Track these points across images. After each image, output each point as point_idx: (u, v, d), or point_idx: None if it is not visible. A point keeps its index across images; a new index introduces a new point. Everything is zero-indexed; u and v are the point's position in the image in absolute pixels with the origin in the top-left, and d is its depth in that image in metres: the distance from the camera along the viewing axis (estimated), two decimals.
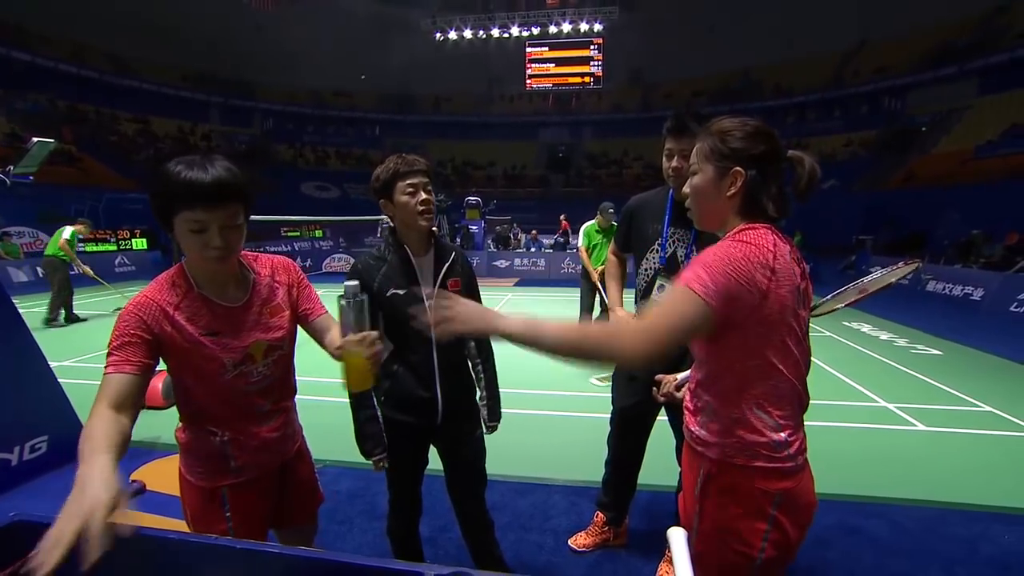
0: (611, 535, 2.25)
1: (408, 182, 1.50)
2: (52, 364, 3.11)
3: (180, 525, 2.15)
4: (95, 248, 14.16)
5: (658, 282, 1.84)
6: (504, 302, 9.20)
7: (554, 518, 2.49)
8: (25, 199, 14.97)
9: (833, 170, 25.54)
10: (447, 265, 1.61)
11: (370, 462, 1.61)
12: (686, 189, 1.12)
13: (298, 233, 18.26)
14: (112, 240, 14.67)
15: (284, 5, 30.23)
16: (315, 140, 34.17)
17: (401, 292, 1.52)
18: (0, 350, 2.72)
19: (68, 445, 3.01)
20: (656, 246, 1.88)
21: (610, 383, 2.24)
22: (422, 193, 1.51)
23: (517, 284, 12.28)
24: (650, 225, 1.91)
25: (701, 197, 1.09)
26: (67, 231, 6.96)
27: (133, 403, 1.03)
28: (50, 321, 6.87)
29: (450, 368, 1.63)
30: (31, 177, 2.66)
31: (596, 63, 34.98)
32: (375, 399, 1.62)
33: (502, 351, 5.14)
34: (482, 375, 1.80)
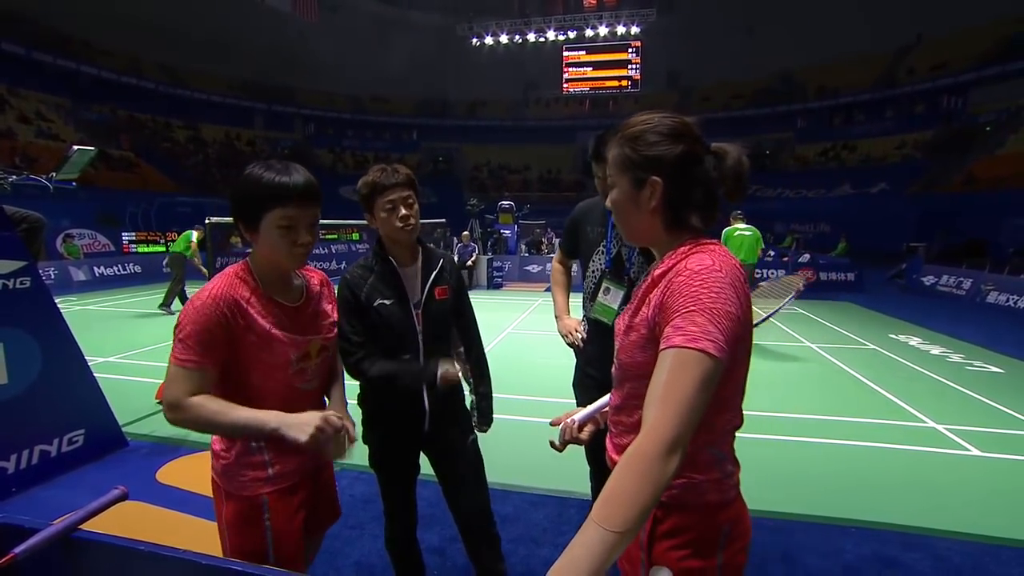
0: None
1: (387, 198, 1.48)
2: (96, 360, 3.26)
3: (205, 524, 2.21)
4: (146, 249, 14.96)
5: (604, 284, 1.87)
6: (535, 307, 9.15)
7: (567, 533, 2.41)
8: (86, 203, 15.98)
9: (883, 173, 24.32)
10: (434, 274, 1.60)
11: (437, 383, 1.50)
12: (608, 204, 1.00)
13: (335, 236, 18.77)
14: (161, 242, 15.47)
15: (325, 14, 31.21)
16: (354, 145, 35.08)
17: (388, 302, 1.52)
18: (41, 347, 2.87)
19: (103, 438, 3.15)
20: (601, 247, 1.91)
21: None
22: (401, 209, 1.49)
23: (548, 289, 12.19)
24: (594, 229, 1.96)
25: (622, 213, 0.97)
26: (194, 234, 7.93)
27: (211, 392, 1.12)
28: (165, 306, 7.89)
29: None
30: (73, 183, 2.80)
31: (634, 66, 34.56)
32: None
33: (517, 357, 5.07)
34: (470, 378, 1.77)
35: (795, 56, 30.44)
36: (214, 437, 1.27)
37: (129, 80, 26.19)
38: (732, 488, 0.96)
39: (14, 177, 2.67)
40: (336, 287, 1.51)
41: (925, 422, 3.86)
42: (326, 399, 1.41)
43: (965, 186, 20.31)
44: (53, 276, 10.67)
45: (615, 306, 1.82)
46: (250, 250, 1.26)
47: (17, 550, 0.81)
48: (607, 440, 1.06)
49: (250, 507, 1.23)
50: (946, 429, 3.71)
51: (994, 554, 2.27)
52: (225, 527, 1.27)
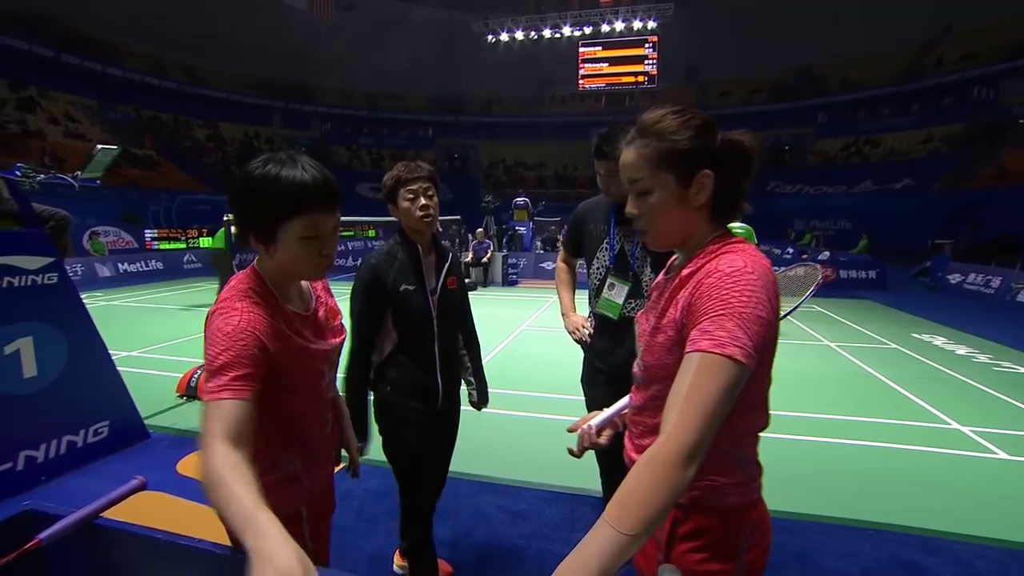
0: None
1: (409, 188, 1.63)
2: (119, 354, 3.35)
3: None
4: (167, 246, 15.29)
5: (608, 280, 1.90)
6: (549, 303, 9.13)
7: (580, 531, 2.39)
8: (111, 201, 16.39)
9: (908, 168, 23.71)
10: (447, 264, 1.76)
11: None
12: (634, 209, 0.93)
13: (352, 233, 18.99)
14: (182, 239, 15.78)
15: (341, 12, 31.46)
16: (370, 142, 35.35)
17: (412, 288, 1.65)
18: (68, 341, 2.95)
19: (127, 430, 3.24)
20: (604, 244, 1.94)
21: None
22: (422, 199, 1.63)
23: None
24: (597, 226, 1.99)
25: (659, 214, 0.90)
26: (233, 229, 8.03)
27: (250, 435, 0.87)
28: None
29: (447, 357, 1.77)
30: (97, 182, 2.88)
31: (651, 62, 34.16)
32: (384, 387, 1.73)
33: (531, 354, 5.06)
34: (468, 363, 1.98)
35: (817, 49, 29.79)
36: None
37: (152, 80, 26.73)
38: (755, 491, 0.94)
39: (42, 176, 2.75)
40: (359, 269, 1.65)
41: (949, 424, 3.76)
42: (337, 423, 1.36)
43: (995, 180, 19.68)
44: (80, 272, 10.97)
45: (620, 301, 1.86)
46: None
47: (42, 535, 0.84)
48: (626, 440, 1.05)
49: (292, 523, 1.10)
50: (971, 431, 3.61)
51: (1021, 560, 2.21)
52: None
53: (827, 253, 13.21)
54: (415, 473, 1.75)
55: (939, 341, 6.43)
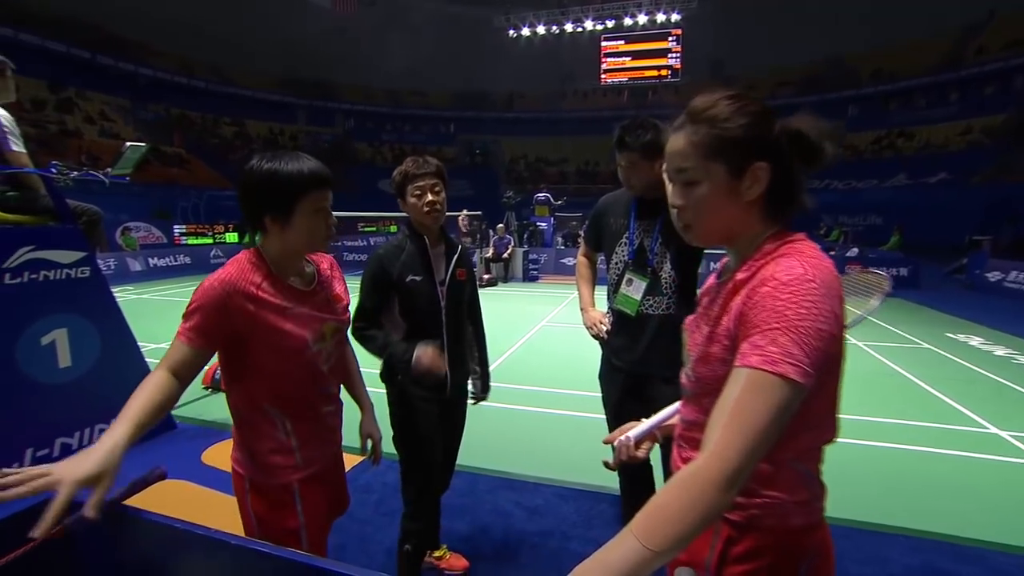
0: None
1: (416, 184, 1.67)
2: (148, 346, 3.45)
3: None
4: (195, 241, 15.68)
5: (627, 275, 1.88)
6: (570, 299, 9.09)
7: (597, 528, 2.39)
8: (141, 197, 16.90)
9: (944, 161, 22.82)
10: (456, 256, 1.79)
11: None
12: (679, 200, 0.86)
13: (374, 228, 19.19)
14: (209, 234, 16.17)
15: (363, 8, 31.73)
16: (392, 138, 35.59)
17: (419, 279, 1.69)
18: (100, 333, 3.05)
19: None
20: (624, 239, 1.92)
21: None
22: (428, 195, 1.67)
23: None
24: (617, 220, 1.96)
25: (709, 210, 0.83)
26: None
27: (191, 374, 1.13)
28: None
29: (456, 347, 1.80)
30: (127, 178, 2.96)
31: (674, 55, 33.55)
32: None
33: (551, 350, 5.01)
34: (476, 352, 2.00)
35: (848, 39, 28.82)
36: (234, 426, 1.27)
37: (181, 80, 27.43)
38: (818, 512, 0.86)
39: (75, 173, 2.85)
40: (368, 261, 1.71)
41: (985, 427, 3.62)
42: (350, 400, 1.49)
43: None
44: (112, 267, 11.34)
45: (638, 297, 1.84)
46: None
47: (66, 521, 0.86)
48: (674, 452, 0.99)
49: (281, 494, 1.24)
50: (1010, 436, 3.47)
51: None
52: (255, 519, 1.26)
53: (856, 249, 12.80)
54: (419, 458, 1.78)
55: (975, 341, 6.19)
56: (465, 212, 12.16)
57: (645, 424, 1.08)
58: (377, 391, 1.68)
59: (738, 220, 0.83)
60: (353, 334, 1.62)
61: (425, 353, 1.56)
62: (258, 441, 1.24)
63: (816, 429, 0.82)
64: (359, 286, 1.72)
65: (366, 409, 1.49)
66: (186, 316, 1.13)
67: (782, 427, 0.69)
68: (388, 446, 1.69)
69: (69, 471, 0.82)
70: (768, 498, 0.82)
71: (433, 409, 1.78)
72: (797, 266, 0.74)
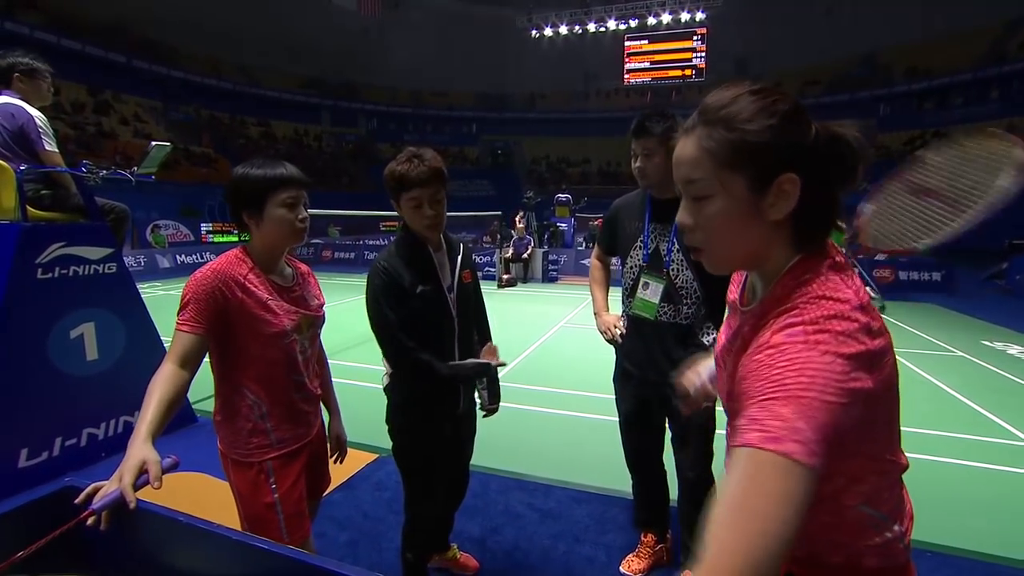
0: (664, 555, 2.10)
1: (411, 195, 1.45)
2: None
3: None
4: (221, 239, 16.06)
5: (642, 279, 1.84)
6: (588, 301, 9.02)
7: (610, 532, 2.35)
8: (170, 196, 17.39)
9: None
10: (460, 258, 1.65)
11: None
12: (688, 219, 0.71)
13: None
14: (234, 232, 16.48)
15: (387, 10, 32.10)
16: (415, 139, 35.98)
17: (428, 287, 1.53)
18: (125, 327, 3.13)
19: (176, 414, 3.41)
20: (639, 243, 1.88)
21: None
22: (427, 208, 1.47)
23: None
24: (632, 223, 1.93)
25: (724, 231, 0.68)
26: None
27: (196, 362, 1.25)
28: None
29: (466, 356, 1.67)
30: (152, 176, 3.04)
31: (699, 55, 33.18)
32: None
33: (568, 352, 4.93)
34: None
35: (880, 36, 28.01)
36: (215, 410, 1.41)
37: (210, 82, 28.19)
38: (902, 553, 0.73)
39: (104, 172, 2.93)
40: (367, 278, 1.55)
41: (1022, 440, 3.46)
42: (324, 408, 1.61)
43: None
44: (142, 263, 11.70)
45: (655, 301, 1.80)
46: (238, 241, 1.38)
47: (95, 505, 0.88)
48: (726, 456, 0.92)
49: (257, 472, 1.37)
50: None
51: None
52: (238, 495, 1.40)
53: (884, 253, 12.41)
54: (427, 482, 1.70)
55: (1014, 350, 5.92)
56: (521, 213, 12.30)
57: (704, 375, 1.02)
58: (376, 390, 1.68)
59: (759, 243, 0.69)
60: (396, 363, 1.56)
61: (496, 360, 1.62)
62: (238, 421, 1.37)
63: (870, 476, 0.70)
64: (367, 310, 1.54)
65: (334, 412, 1.65)
66: (182, 308, 1.24)
67: (800, 514, 0.54)
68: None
69: (130, 462, 0.98)
70: (830, 538, 0.72)
71: (441, 428, 1.67)
72: (800, 334, 0.61)
